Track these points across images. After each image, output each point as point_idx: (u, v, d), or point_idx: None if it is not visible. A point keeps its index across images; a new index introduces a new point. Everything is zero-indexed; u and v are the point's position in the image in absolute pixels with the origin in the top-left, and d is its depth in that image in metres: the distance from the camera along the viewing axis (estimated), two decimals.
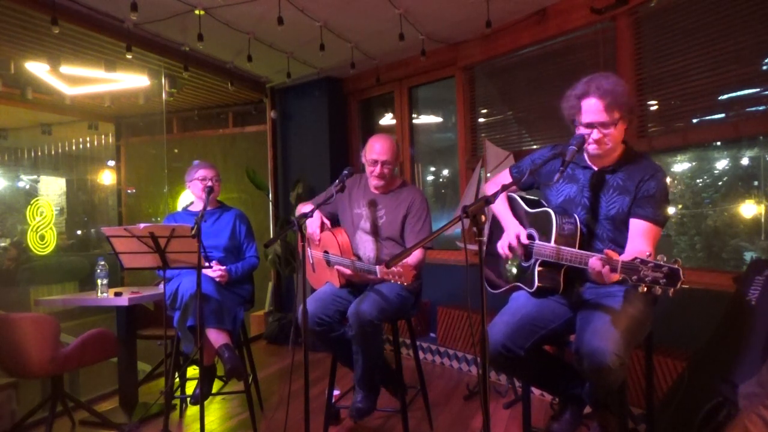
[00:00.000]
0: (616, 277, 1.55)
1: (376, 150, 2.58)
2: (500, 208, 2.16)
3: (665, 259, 1.44)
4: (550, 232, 1.89)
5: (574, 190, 1.99)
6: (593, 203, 1.94)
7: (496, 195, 1.67)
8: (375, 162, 2.59)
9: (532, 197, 2.19)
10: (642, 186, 1.85)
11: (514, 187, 2.16)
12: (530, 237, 2.00)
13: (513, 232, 2.02)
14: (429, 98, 4.89)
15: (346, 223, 2.76)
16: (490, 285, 2.23)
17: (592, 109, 1.82)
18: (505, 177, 2.20)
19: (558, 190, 2.03)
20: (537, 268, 1.92)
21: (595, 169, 1.95)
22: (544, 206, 2.02)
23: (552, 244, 1.86)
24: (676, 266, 1.40)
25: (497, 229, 2.20)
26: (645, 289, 1.45)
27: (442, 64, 4.36)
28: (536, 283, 1.92)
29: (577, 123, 1.89)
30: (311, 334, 2.47)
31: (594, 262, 1.62)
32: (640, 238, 1.79)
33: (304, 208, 2.65)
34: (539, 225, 1.98)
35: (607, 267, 1.56)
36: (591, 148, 1.87)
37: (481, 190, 3.71)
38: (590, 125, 1.83)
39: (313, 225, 2.64)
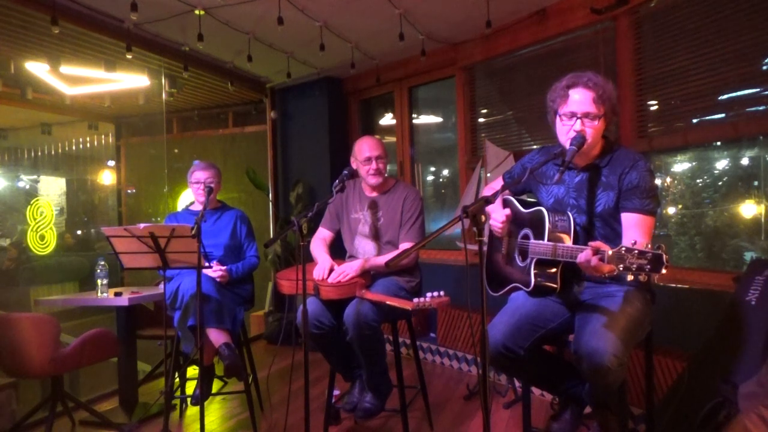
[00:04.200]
0: (607, 267, 1.55)
1: (366, 148, 2.60)
2: (495, 209, 2.17)
3: (650, 246, 1.45)
4: (543, 230, 1.90)
5: (562, 191, 2.00)
6: (581, 202, 1.95)
7: (495, 195, 1.69)
8: (369, 160, 2.59)
9: (528, 199, 2.21)
10: (624, 179, 1.85)
11: (507, 192, 2.18)
12: (525, 237, 2.01)
13: (500, 212, 2.02)
14: (429, 98, 4.89)
15: (344, 228, 2.76)
16: (489, 286, 2.23)
17: (580, 99, 1.83)
18: (498, 183, 2.25)
19: (548, 192, 2.05)
20: (533, 268, 1.92)
21: (579, 167, 1.96)
22: (538, 206, 2.03)
23: (545, 241, 1.87)
24: (659, 252, 1.41)
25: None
26: (632, 277, 1.45)
27: (442, 64, 4.36)
28: (533, 283, 1.92)
29: (559, 114, 1.88)
30: (309, 336, 2.47)
31: (583, 254, 1.62)
32: (633, 230, 1.79)
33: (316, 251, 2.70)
34: (533, 224, 1.99)
35: (596, 257, 1.56)
36: (570, 141, 1.85)
37: (480, 195, 3.72)
38: (573, 114, 1.83)
39: (322, 271, 2.52)
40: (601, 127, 1.85)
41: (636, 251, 1.45)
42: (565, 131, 1.87)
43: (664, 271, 1.41)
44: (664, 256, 1.41)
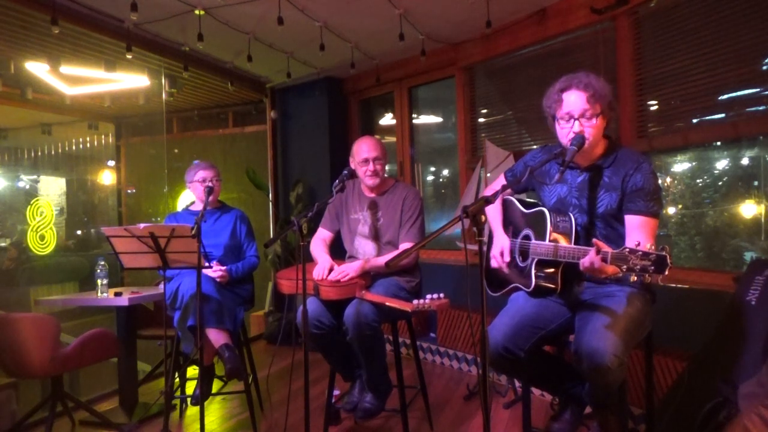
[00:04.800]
0: (610, 269, 1.55)
1: (364, 149, 2.60)
2: (492, 215, 2.18)
3: (654, 247, 1.45)
4: (545, 230, 1.90)
5: (564, 191, 2.00)
6: (583, 202, 1.95)
7: (496, 195, 1.69)
8: (366, 161, 2.59)
9: (529, 200, 2.21)
10: (628, 181, 1.85)
11: (509, 191, 2.18)
12: (526, 237, 2.02)
13: (498, 245, 2.05)
14: (429, 98, 4.89)
15: (344, 228, 2.76)
16: (489, 287, 2.23)
17: (574, 100, 1.85)
18: (500, 182, 2.24)
19: (551, 192, 2.05)
20: (534, 268, 1.92)
21: (581, 167, 1.96)
22: (539, 206, 2.03)
23: (547, 242, 1.87)
24: (663, 253, 1.41)
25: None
26: (635, 278, 1.45)
27: (442, 64, 4.36)
28: (533, 283, 1.92)
29: (557, 118, 1.90)
30: (309, 336, 2.46)
31: (586, 258, 1.62)
32: (636, 232, 1.79)
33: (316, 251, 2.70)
34: (535, 225, 1.99)
35: (599, 257, 1.56)
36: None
37: (480, 195, 3.72)
38: (570, 116, 1.85)
39: (321, 270, 2.52)
40: (600, 125, 1.86)
41: (640, 252, 1.45)
42: (564, 134, 1.88)
43: (666, 272, 1.41)
44: (668, 257, 1.41)
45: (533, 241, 1.96)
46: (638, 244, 1.47)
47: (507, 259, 2.02)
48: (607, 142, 1.95)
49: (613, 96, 1.90)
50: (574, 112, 1.84)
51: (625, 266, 1.47)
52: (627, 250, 1.48)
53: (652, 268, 1.42)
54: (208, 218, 3.01)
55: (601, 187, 1.91)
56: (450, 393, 3.43)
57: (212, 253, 2.84)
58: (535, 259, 1.92)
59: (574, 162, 1.95)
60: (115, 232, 2.46)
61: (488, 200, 1.62)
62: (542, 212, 1.95)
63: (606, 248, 1.55)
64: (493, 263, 2.08)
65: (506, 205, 2.20)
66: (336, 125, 5.16)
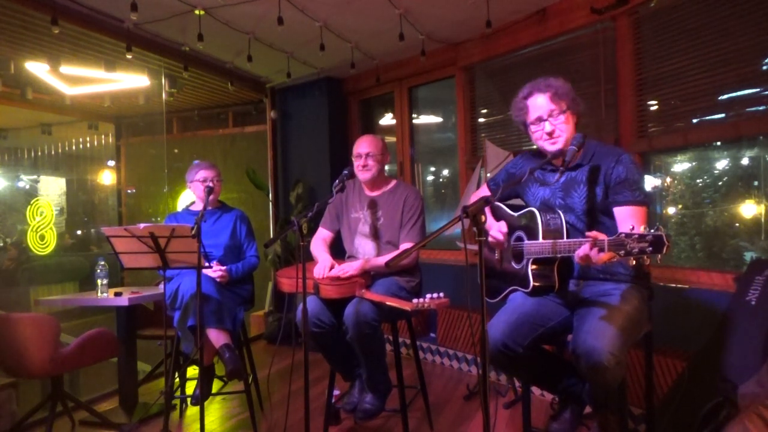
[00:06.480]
0: (606, 256, 1.56)
1: (357, 145, 2.67)
2: (489, 223, 2.19)
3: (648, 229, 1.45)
4: (537, 229, 1.91)
5: (547, 193, 2.04)
6: (568, 201, 1.97)
7: (495, 194, 1.71)
8: (359, 156, 2.64)
9: (516, 203, 2.21)
10: (611, 174, 1.88)
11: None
12: (518, 239, 2.02)
13: (495, 227, 2.08)
14: (429, 98, 4.89)
15: (344, 228, 2.77)
16: (487, 293, 2.22)
17: (540, 103, 1.95)
18: (483, 191, 2.30)
19: (534, 195, 2.09)
20: (530, 268, 1.93)
21: (561, 168, 1.97)
22: (528, 207, 2.03)
23: (541, 240, 1.87)
24: (659, 232, 1.42)
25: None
26: (634, 261, 1.46)
27: (442, 64, 4.36)
28: (531, 283, 1.92)
29: (528, 124, 1.99)
30: (309, 335, 2.47)
31: (580, 250, 1.63)
32: (628, 221, 1.79)
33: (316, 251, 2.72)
34: (526, 226, 2.00)
35: (595, 249, 1.57)
36: (548, 144, 1.95)
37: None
38: (540, 119, 1.94)
39: (321, 269, 2.53)
40: (570, 119, 1.94)
41: (636, 235, 1.46)
42: (539, 137, 1.97)
43: (665, 251, 1.41)
44: (665, 235, 1.41)
45: (527, 241, 1.96)
46: (632, 228, 1.47)
47: (504, 229, 2.03)
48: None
49: (574, 92, 1.97)
50: (542, 114, 1.94)
51: (622, 251, 1.48)
52: (623, 234, 1.49)
53: (650, 248, 1.43)
54: (208, 218, 3.01)
55: (584, 183, 1.94)
56: (450, 393, 3.43)
57: (212, 253, 2.84)
58: (531, 259, 1.92)
59: (551, 163, 1.98)
60: (115, 232, 2.46)
61: (488, 200, 1.62)
62: (532, 212, 1.96)
63: (602, 237, 1.56)
64: (493, 242, 2.09)
65: (494, 210, 2.21)
66: (336, 125, 5.16)
